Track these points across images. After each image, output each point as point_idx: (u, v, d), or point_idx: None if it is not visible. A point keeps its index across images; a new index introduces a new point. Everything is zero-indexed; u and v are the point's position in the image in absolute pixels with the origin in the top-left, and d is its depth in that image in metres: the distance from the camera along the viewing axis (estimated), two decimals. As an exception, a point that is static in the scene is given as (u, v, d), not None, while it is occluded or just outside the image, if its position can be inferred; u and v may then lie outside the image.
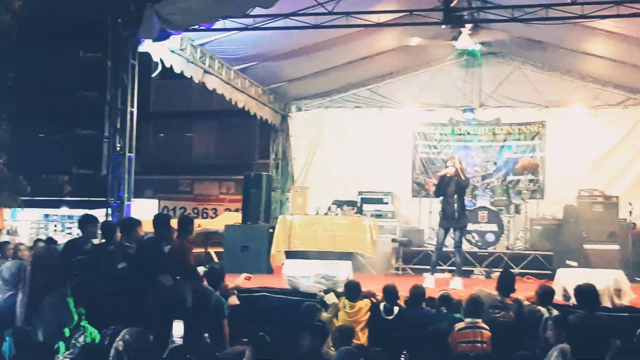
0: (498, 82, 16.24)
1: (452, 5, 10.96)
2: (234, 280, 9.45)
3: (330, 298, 8.78)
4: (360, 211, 14.48)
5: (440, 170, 12.96)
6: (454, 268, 11.72)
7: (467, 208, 12.00)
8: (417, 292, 8.67)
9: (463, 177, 11.36)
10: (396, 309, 8.52)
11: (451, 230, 11.36)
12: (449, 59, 16.28)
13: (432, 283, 10.84)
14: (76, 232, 11.31)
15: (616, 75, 15.06)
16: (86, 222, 9.01)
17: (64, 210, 18.68)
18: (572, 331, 7.12)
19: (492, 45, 15.55)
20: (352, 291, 8.74)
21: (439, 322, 7.96)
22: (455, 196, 11.20)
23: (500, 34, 14.55)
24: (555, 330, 7.13)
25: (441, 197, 11.54)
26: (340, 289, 9.32)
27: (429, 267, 11.75)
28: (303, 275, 9.71)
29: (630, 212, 13.59)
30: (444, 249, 11.70)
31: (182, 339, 7.26)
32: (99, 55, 10.46)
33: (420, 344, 7.50)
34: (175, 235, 8.70)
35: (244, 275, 9.64)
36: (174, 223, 8.91)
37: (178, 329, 7.22)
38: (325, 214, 13.89)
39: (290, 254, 12.94)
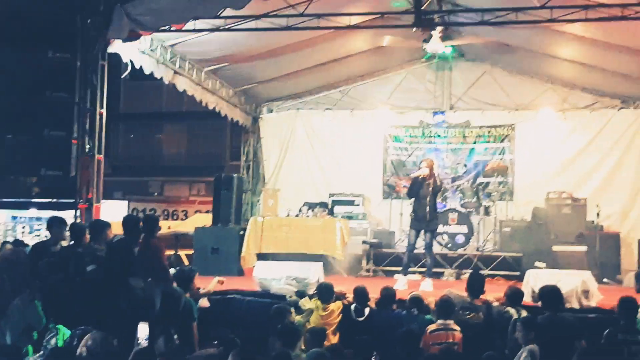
0: (468, 85, 16.34)
1: (422, 8, 11.02)
2: (205, 284, 9.43)
3: (306, 303, 8.78)
4: (331, 213, 14.48)
5: (412, 172, 12.98)
6: (424, 269, 11.75)
7: (438, 210, 12.04)
8: (388, 294, 8.73)
9: (438, 182, 11.42)
10: (367, 311, 8.54)
11: (422, 231, 11.40)
12: (419, 61, 16.37)
13: (404, 284, 10.87)
14: (44, 234, 11.17)
15: (584, 79, 15.20)
16: (54, 224, 8.94)
17: (32, 212, 18.46)
18: (539, 332, 7.19)
19: (462, 47, 15.66)
20: (325, 293, 8.75)
21: (410, 324, 8.00)
22: (428, 198, 11.25)
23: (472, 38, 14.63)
24: (523, 332, 7.20)
25: (413, 199, 11.58)
26: (312, 291, 9.33)
27: (399, 268, 11.81)
28: (274, 277, 9.70)
29: (598, 214, 13.74)
30: (415, 250, 11.73)
31: (147, 341, 7.23)
32: (67, 56, 10.37)
33: (391, 345, 7.53)
34: (142, 235, 8.65)
35: (217, 279, 9.62)
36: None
37: (143, 330, 7.18)
38: (296, 216, 13.89)
39: (261, 256, 12.92)
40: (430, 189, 11.28)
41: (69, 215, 10.55)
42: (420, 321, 8.10)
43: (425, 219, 11.28)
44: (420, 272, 12.34)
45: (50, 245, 8.84)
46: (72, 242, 8.89)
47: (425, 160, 12.09)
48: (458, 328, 7.80)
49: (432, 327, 7.80)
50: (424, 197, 11.29)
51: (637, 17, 10.02)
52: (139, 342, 7.22)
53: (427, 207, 11.25)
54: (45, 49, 10.35)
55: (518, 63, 15.67)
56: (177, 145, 26.73)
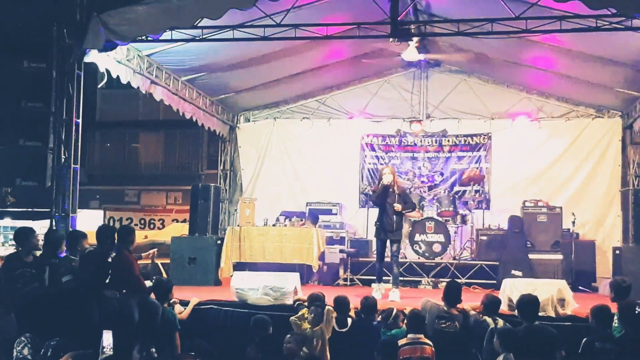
0: (444, 94, 16.43)
1: (399, 18, 11.05)
2: (181, 293, 9.43)
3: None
4: (316, 221, 14.44)
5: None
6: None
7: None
8: (369, 304, 8.65)
9: (408, 200, 11.24)
10: (349, 321, 8.48)
11: (388, 242, 11.20)
12: (396, 71, 16.45)
13: (378, 294, 10.76)
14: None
15: (559, 88, 15.38)
16: (25, 236, 8.86)
17: (7, 222, 18.35)
18: (517, 342, 7.22)
19: (438, 57, 15.76)
20: (342, 306, 8.56)
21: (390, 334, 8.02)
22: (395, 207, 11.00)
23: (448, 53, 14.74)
24: (501, 342, 7.23)
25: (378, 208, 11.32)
26: (289, 302, 9.32)
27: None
28: (251, 287, 9.65)
29: (573, 222, 13.84)
30: (385, 259, 11.53)
31: (111, 350, 7.16)
32: (43, 66, 10.32)
33: (370, 354, 7.52)
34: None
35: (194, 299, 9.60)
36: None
37: (107, 339, 7.12)
38: (274, 225, 13.87)
39: (238, 266, 12.89)
40: (396, 197, 11.04)
41: (44, 225, 10.50)
42: (398, 333, 8.07)
43: (392, 229, 11.01)
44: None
45: (23, 256, 8.76)
46: (46, 252, 8.82)
47: (387, 166, 12.03)
48: (429, 342, 7.77)
49: (402, 341, 7.74)
50: (390, 205, 11.03)
51: (611, 28, 10.14)
52: (104, 350, 7.14)
53: (394, 217, 11.01)
54: (21, 59, 10.31)
55: (494, 72, 15.81)
56: (153, 154, 26.58)
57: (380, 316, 8.50)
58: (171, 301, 9.05)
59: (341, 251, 14.25)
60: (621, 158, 15.52)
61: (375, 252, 14.38)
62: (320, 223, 14.79)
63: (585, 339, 7.41)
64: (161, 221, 24.64)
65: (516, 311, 8.18)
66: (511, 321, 8.13)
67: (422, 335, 7.79)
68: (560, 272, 13.09)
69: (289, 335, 7.95)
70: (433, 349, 7.70)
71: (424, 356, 7.57)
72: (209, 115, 15.76)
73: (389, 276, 11.38)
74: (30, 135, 10.31)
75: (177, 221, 21.60)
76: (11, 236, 16.94)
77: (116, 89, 20.60)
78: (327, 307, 8.43)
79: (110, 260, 8.58)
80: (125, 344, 7.42)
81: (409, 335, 7.80)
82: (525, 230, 13.95)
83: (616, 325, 7.85)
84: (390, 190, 11.08)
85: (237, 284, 9.83)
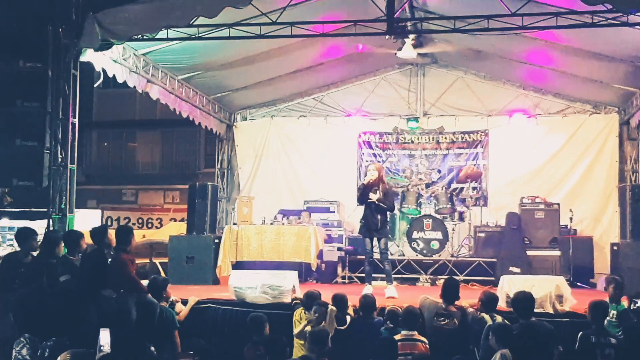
0: (441, 91, 16.45)
1: (395, 16, 11.04)
2: (180, 292, 9.41)
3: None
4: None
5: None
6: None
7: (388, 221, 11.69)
8: (368, 302, 8.65)
9: (387, 199, 11.11)
10: (348, 319, 8.46)
11: (375, 239, 11.14)
12: (393, 68, 16.46)
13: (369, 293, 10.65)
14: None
15: (556, 85, 15.40)
16: (25, 236, 8.85)
17: (5, 222, 18.33)
18: (513, 338, 7.23)
19: (435, 54, 15.75)
20: (341, 304, 8.53)
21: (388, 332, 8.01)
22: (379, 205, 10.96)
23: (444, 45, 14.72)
24: (497, 338, 7.23)
25: (364, 205, 11.26)
26: (287, 300, 9.32)
27: (375, 275, 11.67)
28: (249, 286, 9.65)
29: (571, 219, 13.87)
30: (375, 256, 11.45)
31: (109, 347, 7.15)
32: (39, 65, 10.29)
33: (369, 353, 7.52)
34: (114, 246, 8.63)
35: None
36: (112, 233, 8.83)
37: (104, 337, 7.10)
38: (271, 224, 13.85)
39: (236, 265, 12.89)
40: (382, 195, 10.96)
41: (42, 225, 10.47)
42: (395, 332, 8.06)
43: (376, 227, 10.97)
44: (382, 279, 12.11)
45: (22, 256, 8.76)
46: (44, 253, 8.80)
47: (373, 163, 11.94)
48: (423, 339, 7.77)
49: (396, 337, 7.75)
50: (374, 203, 10.95)
51: (607, 24, 10.14)
52: (101, 349, 7.12)
53: (379, 215, 10.95)
54: (16, 59, 10.27)
55: (490, 69, 15.82)
56: (150, 153, 26.57)
57: (387, 321, 8.47)
58: (172, 300, 9.06)
59: (339, 249, 14.25)
60: (618, 154, 15.53)
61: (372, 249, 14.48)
62: (318, 221, 14.79)
63: (581, 333, 7.44)
64: (159, 220, 24.67)
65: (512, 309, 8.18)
66: (509, 318, 8.13)
67: (415, 332, 7.79)
68: (558, 268, 13.07)
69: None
70: (427, 345, 7.70)
71: (417, 353, 7.57)
72: (205, 114, 15.75)
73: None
74: (26, 135, 10.25)
75: (175, 220, 21.65)
76: (9, 236, 16.93)
77: (112, 89, 20.69)
78: (330, 307, 8.40)
79: (108, 260, 8.58)
80: (123, 343, 7.41)
81: (403, 332, 7.81)
82: (522, 226, 13.91)
83: (613, 320, 7.87)
84: (375, 188, 11.01)
85: (235, 283, 9.83)
